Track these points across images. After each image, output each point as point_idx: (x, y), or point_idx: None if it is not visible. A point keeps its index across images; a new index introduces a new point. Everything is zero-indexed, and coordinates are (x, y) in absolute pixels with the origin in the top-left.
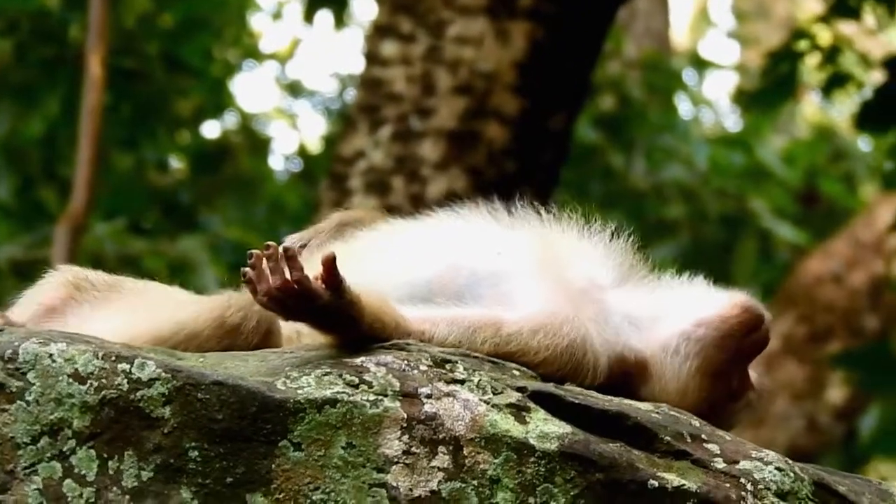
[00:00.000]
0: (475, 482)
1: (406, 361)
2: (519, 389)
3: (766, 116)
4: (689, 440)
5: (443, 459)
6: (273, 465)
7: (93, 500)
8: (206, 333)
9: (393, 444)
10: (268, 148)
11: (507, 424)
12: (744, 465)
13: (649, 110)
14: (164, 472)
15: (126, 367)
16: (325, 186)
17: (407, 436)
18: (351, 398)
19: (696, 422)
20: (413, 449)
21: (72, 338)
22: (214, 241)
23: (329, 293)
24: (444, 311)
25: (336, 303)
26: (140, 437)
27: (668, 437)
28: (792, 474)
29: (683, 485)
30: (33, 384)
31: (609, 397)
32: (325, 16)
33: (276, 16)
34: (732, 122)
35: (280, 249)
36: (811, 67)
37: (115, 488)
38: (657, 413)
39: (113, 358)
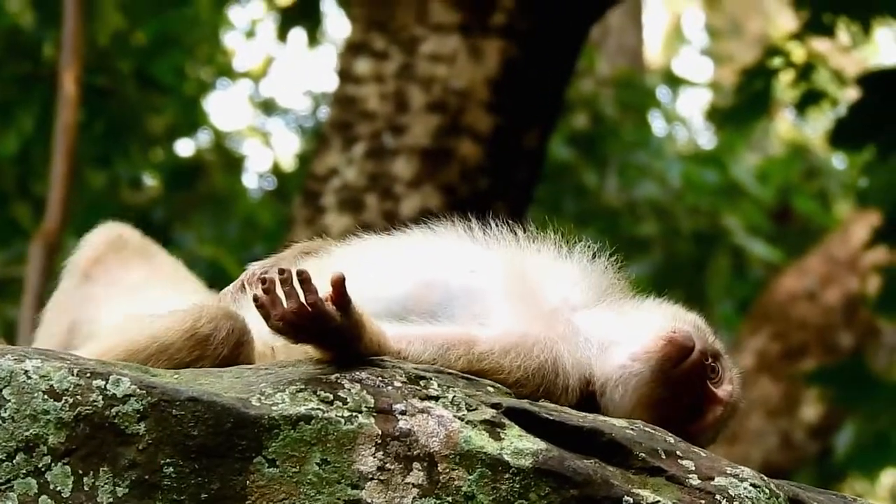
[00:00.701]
0: (450, 499)
1: (380, 378)
2: (493, 406)
3: (740, 134)
4: (663, 456)
5: (417, 476)
6: (248, 482)
7: None
8: (177, 345)
9: (367, 460)
10: (241, 166)
11: (481, 441)
12: (719, 481)
13: (622, 128)
14: (139, 488)
15: (101, 383)
16: (298, 204)
17: (381, 452)
18: (325, 414)
19: (671, 438)
20: (387, 465)
21: (47, 354)
22: (188, 259)
23: (339, 314)
24: (417, 328)
25: (345, 323)
26: (115, 454)
27: (642, 454)
28: (767, 491)
29: (658, 501)
30: (8, 401)
31: (583, 414)
32: (298, 34)
33: (250, 34)
34: (706, 139)
35: (294, 273)
36: (785, 85)
37: None
38: (632, 429)
39: (88, 374)
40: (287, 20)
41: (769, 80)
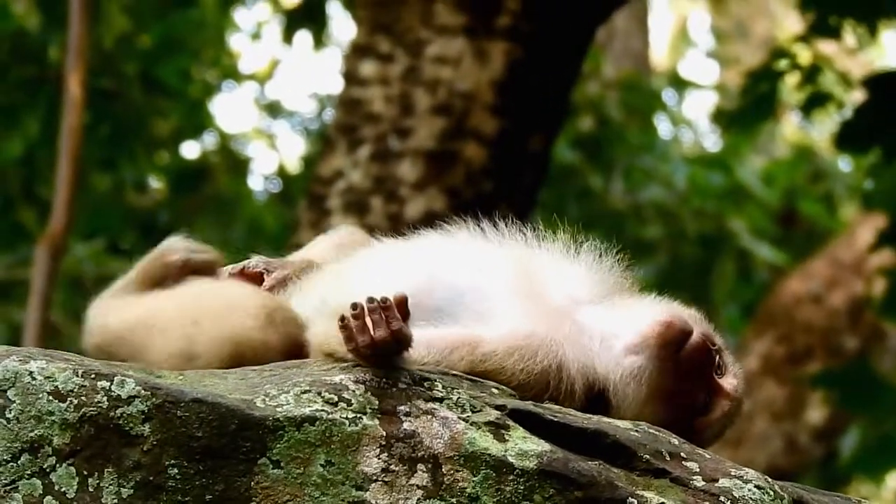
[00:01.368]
0: (454, 500)
1: (385, 379)
2: (498, 407)
3: (746, 136)
4: (668, 458)
5: (422, 477)
6: (252, 483)
7: None
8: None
9: (372, 461)
10: (247, 168)
11: (485, 442)
12: (723, 483)
13: (628, 131)
14: (143, 490)
15: (106, 384)
16: (303, 207)
17: (386, 454)
18: (330, 416)
19: (676, 440)
20: (392, 467)
21: (52, 355)
22: None
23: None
24: (421, 330)
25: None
26: (120, 455)
27: (647, 456)
28: (771, 492)
29: (662, 503)
30: (13, 401)
31: (588, 415)
32: (303, 36)
33: (255, 36)
34: (712, 142)
35: (379, 301)
36: (791, 87)
37: None
38: (636, 431)
39: (93, 375)
40: (292, 22)
41: (775, 82)
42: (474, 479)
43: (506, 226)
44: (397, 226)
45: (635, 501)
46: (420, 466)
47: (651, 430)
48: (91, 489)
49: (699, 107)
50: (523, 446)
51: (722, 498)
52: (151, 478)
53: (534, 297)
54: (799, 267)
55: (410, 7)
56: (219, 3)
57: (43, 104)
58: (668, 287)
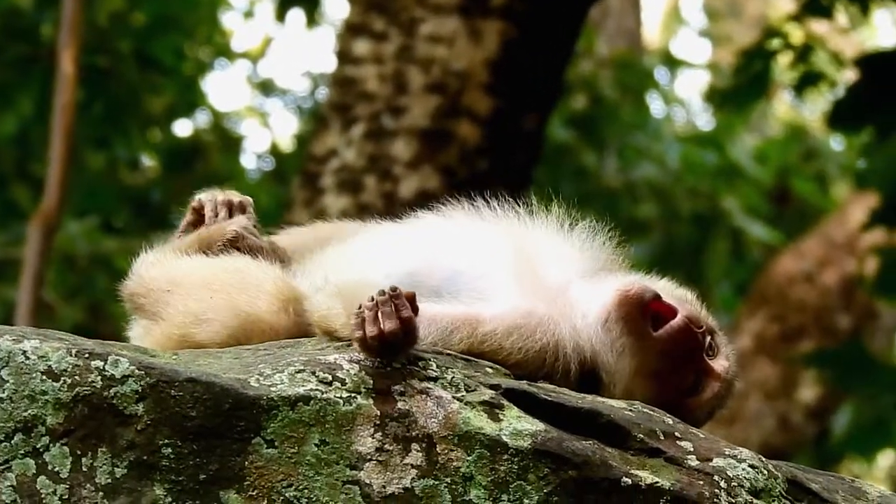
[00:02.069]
0: (448, 479)
1: (384, 361)
2: (492, 387)
3: (739, 115)
4: (662, 438)
5: (416, 457)
6: (246, 462)
7: (66, 496)
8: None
9: (366, 441)
10: (240, 146)
11: (480, 422)
12: (717, 462)
13: (621, 109)
14: (137, 469)
15: (99, 364)
16: (297, 185)
17: (380, 433)
18: (324, 395)
19: (670, 419)
20: (386, 446)
21: (45, 335)
22: None
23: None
24: (423, 305)
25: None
26: (114, 434)
27: (641, 435)
28: (765, 472)
29: (657, 482)
30: (7, 381)
31: (582, 395)
32: (297, 14)
33: (248, 14)
34: (704, 120)
35: (389, 292)
36: (783, 66)
37: (88, 485)
38: (630, 411)
39: (86, 355)
40: (286, 1)
41: (768, 61)
42: (468, 458)
43: (501, 205)
44: (391, 205)
45: (630, 481)
46: (414, 446)
47: (645, 410)
48: (85, 469)
49: (692, 85)
50: (518, 426)
51: (716, 477)
52: (145, 457)
53: (531, 276)
54: (792, 246)
55: None
56: None
57: (36, 82)
58: (662, 266)
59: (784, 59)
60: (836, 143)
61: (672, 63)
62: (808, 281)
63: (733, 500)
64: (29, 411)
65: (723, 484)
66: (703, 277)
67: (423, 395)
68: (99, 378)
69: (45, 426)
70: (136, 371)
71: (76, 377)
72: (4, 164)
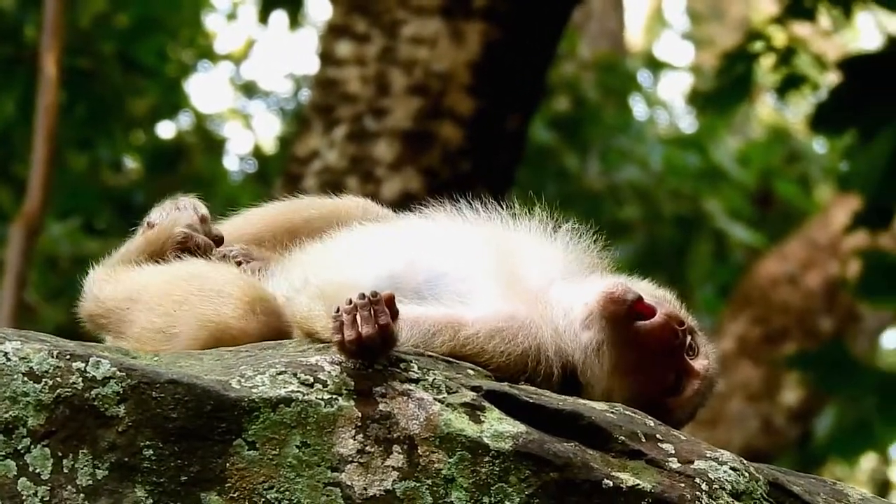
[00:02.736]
0: (430, 481)
1: (363, 364)
2: (473, 389)
3: (721, 118)
4: (643, 440)
5: (397, 458)
6: (227, 464)
7: (47, 498)
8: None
9: (347, 443)
10: (222, 148)
11: (461, 424)
12: (698, 464)
13: (604, 111)
14: (118, 471)
15: (81, 365)
16: (279, 186)
17: (361, 435)
18: (305, 397)
19: (651, 421)
20: (367, 448)
21: (27, 336)
22: None
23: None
24: (405, 308)
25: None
26: (95, 436)
27: (622, 437)
28: (747, 474)
29: (638, 484)
30: None
31: (563, 397)
32: (279, 16)
33: (231, 16)
34: (687, 123)
35: (369, 296)
36: (766, 69)
37: (69, 486)
38: (612, 413)
39: (68, 357)
40: (268, 3)
41: (750, 64)
42: (450, 460)
43: (484, 206)
44: None
45: (611, 483)
46: (396, 448)
47: (627, 412)
48: (66, 470)
49: (675, 88)
50: (499, 427)
51: (697, 479)
52: (126, 459)
53: (514, 279)
54: (774, 248)
55: None
56: None
57: (19, 84)
58: (644, 268)
59: (767, 62)
60: (819, 145)
61: (655, 65)
62: (790, 283)
63: (715, 503)
64: (10, 413)
65: (704, 486)
66: (686, 279)
67: (405, 397)
68: (80, 380)
69: (27, 427)
70: (118, 373)
71: (57, 379)
72: None
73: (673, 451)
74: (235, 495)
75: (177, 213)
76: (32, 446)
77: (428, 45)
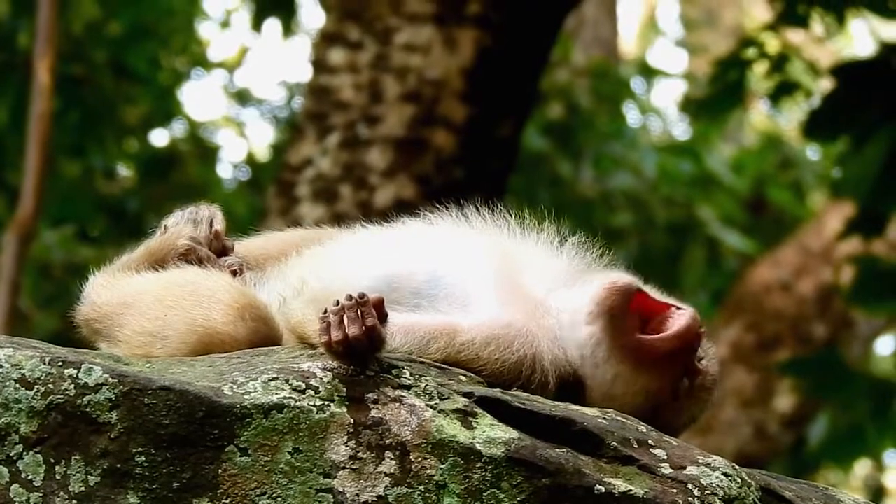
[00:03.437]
0: (422, 488)
1: (353, 366)
2: (466, 395)
3: (715, 124)
4: (635, 446)
5: (389, 465)
6: (220, 471)
7: None
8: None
9: (339, 449)
10: (216, 156)
11: (453, 430)
12: (691, 470)
13: (597, 118)
14: (111, 477)
15: (73, 372)
16: (272, 194)
17: (353, 441)
18: (297, 403)
19: (643, 427)
20: (360, 454)
21: (19, 343)
22: None
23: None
24: (399, 315)
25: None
26: (87, 442)
27: (614, 443)
28: (739, 480)
29: (630, 490)
30: None
31: (556, 403)
32: (273, 24)
33: (224, 24)
34: (681, 130)
35: (356, 297)
36: (759, 76)
37: (62, 493)
38: (604, 419)
39: (60, 363)
40: (261, 10)
41: (743, 70)
42: (442, 466)
43: (481, 213)
44: (367, 214)
45: (603, 489)
46: (388, 454)
47: (619, 418)
48: (58, 477)
49: (668, 95)
50: (491, 434)
51: (689, 485)
52: (119, 465)
53: (511, 285)
54: (768, 255)
55: None
56: None
57: (12, 91)
58: (638, 275)
59: (760, 69)
60: (812, 152)
61: (648, 72)
62: (784, 290)
63: None
64: (2, 419)
65: (696, 492)
66: (679, 286)
67: (397, 404)
68: (72, 386)
69: (19, 434)
70: (110, 379)
71: (50, 385)
72: None
73: (665, 457)
74: (228, 501)
75: (185, 225)
76: (25, 453)
77: (421, 53)
